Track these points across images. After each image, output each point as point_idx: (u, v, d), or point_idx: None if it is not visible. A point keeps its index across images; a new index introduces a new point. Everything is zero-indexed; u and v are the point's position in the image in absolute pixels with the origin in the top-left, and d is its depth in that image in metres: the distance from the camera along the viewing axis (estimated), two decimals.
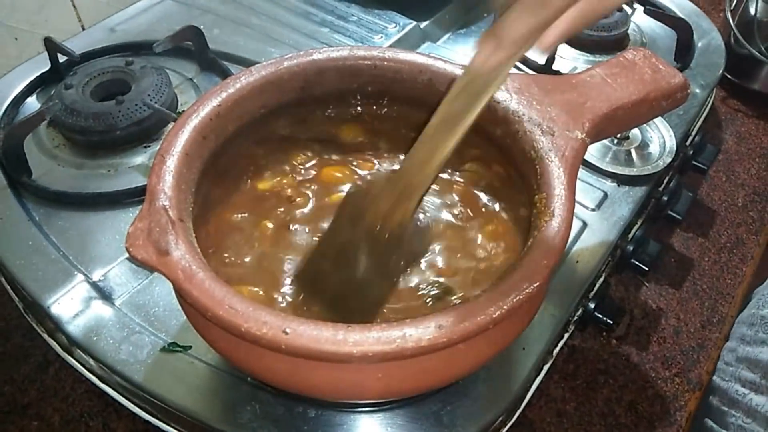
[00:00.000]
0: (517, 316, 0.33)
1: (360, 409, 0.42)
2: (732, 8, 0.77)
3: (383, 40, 0.69)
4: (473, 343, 0.32)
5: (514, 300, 0.32)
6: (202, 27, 0.64)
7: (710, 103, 0.72)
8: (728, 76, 0.78)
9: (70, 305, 0.47)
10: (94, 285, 0.48)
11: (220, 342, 0.34)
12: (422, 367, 0.33)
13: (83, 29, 0.77)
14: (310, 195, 0.45)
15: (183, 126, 0.38)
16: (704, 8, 0.79)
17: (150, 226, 0.33)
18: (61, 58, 0.63)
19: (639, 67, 0.45)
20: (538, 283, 0.33)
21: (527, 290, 0.32)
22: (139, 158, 0.56)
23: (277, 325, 0.30)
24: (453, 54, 0.69)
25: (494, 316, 0.31)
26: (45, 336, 0.49)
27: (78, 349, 0.46)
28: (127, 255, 0.48)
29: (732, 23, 0.76)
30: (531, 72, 0.66)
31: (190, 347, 0.44)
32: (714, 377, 0.59)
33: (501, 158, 0.44)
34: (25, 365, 0.51)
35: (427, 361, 0.32)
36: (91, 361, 0.46)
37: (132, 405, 0.46)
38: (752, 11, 0.75)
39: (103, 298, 0.47)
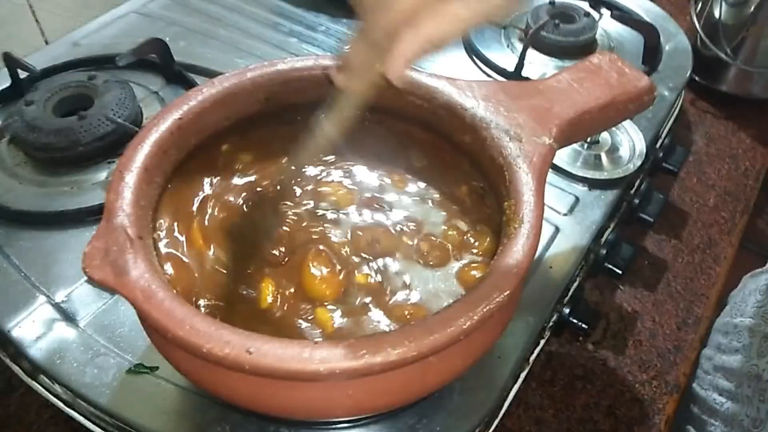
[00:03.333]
0: (488, 325, 0.33)
1: (334, 426, 0.41)
2: (697, 11, 0.78)
3: None
4: (445, 356, 0.31)
5: (485, 310, 0.31)
6: (167, 39, 0.63)
7: (679, 105, 0.72)
8: (696, 78, 0.79)
9: (32, 328, 0.45)
10: (57, 306, 0.46)
11: (184, 363, 0.33)
12: (393, 382, 0.32)
13: (47, 44, 0.76)
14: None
15: (142, 140, 0.37)
16: (670, 12, 0.80)
17: (107, 245, 0.32)
18: (22, 74, 0.61)
19: (605, 71, 0.45)
20: (508, 292, 0.32)
21: (498, 299, 0.32)
22: (103, 174, 0.54)
23: (240, 345, 0.29)
24: (422, 62, 0.68)
25: (464, 327, 0.30)
26: (7, 361, 0.47)
27: (41, 373, 0.44)
28: None
29: (698, 26, 0.77)
30: (499, 78, 0.66)
31: (157, 368, 0.43)
32: (694, 385, 0.59)
33: (470, 166, 0.43)
34: None
35: (399, 376, 0.31)
36: (56, 386, 0.44)
37: (99, 430, 0.44)
38: (717, 14, 0.76)
39: (67, 319, 0.46)
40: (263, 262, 0.40)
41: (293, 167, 0.42)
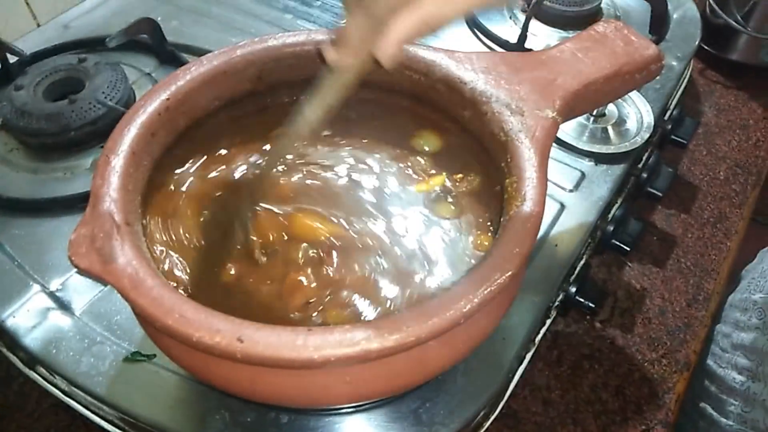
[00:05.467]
0: (490, 307, 0.31)
1: (335, 412, 0.40)
2: None
3: None
4: (446, 340, 0.30)
5: (486, 292, 0.30)
6: (159, 19, 0.62)
7: (688, 75, 0.70)
8: (705, 47, 0.77)
9: (27, 317, 0.44)
10: (52, 295, 0.46)
11: (176, 352, 0.32)
12: (393, 368, 0.31)
13: (39, 26, 0.74)
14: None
15: (129, 123, 0.36)
16: None
17: (93, 232, 0.31)
18: (12, 59, 0.60)
19: (611, 40, 0.43)
20: (510, 272, 0.31)
21: (499, 280, 0.30)
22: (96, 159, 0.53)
23: (231, 333, 0.28)
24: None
25: (465, 310, 0.29)
26: (4, 350, 0.47)
27: (38, 363, 0.43)
28: None
29: None
30: (502, 51, 0.64)
31: (154, 356, 0.42)
32: (710, 363, 0.58)
33: (471, 142, 0.41)
34: None
35: (398, 361, 0.30)
36: (54, 376, 0.43)
37: (98, 419, 0.44)
38: None
39: (62, 308, 0.45)
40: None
41: (276, 152, 0.40)
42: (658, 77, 0.46)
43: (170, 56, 0.61)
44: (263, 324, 0.28)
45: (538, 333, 0.47)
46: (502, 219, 0.35)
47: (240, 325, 0.28)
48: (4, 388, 0.48)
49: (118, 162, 0.34)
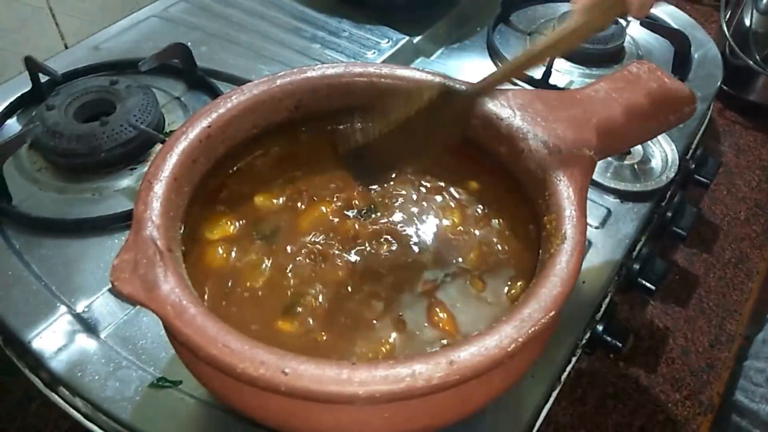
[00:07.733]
0: (531, 346, 0.31)
1: None
2: (726, 19, 0.76)
3: (376, 55, 0.67)
4: (486, 378, 0.30)
5: (530, 331, 0.30)
6: (189, 44, 0.62)
7: (709, 115, 0.71)
8: (725, 87, 0.77)
9: (53, 339, 0.44)
10: (78, 317, 0.45)
11: (214, 382, 0.32)
12: (432, 405, 0.31)
13: (66, 47, 0.75)
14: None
15: (171, 149, 0.36)
16: (698, 19, 0.78)
17: (137, 257, 0.31)
18: (43, 78, 0.60)
19: (644, 81, 0.43)
20: (553, 312, 0.31)
21: (543, 320, 0.30)
22: (125, 181, 0.53)
23: (275, 365, 0.27)
24: (447, 69, 0.67)
25: (509, 349, 0.29)
26: (27, 372, 0.46)
27: (61, 386, 0.43)
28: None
29: (727, 34, 0.75)
30: (527, 87, 0.65)
31: (180, 382, 0.42)
32: (740, 397, 0.57)
33: (506, 177, 0.42)
34: (4, 402, 0.48)
35: (438, 399, 0.30)
36: (76, 399, 0.43)
37: None
38: (747, 22, 0.74)
39: (88, 330, 0.45)
40: None
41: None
42: None
43: (200, 81, 0.62)
44: (307, 357, 0.28)
45: (564, 371, 0.47)
46: (540, 256, 0.35)
47: (284, 358, 0.28)
48: (23, 410, 0.48)
49: (160, 188, 0.34)
